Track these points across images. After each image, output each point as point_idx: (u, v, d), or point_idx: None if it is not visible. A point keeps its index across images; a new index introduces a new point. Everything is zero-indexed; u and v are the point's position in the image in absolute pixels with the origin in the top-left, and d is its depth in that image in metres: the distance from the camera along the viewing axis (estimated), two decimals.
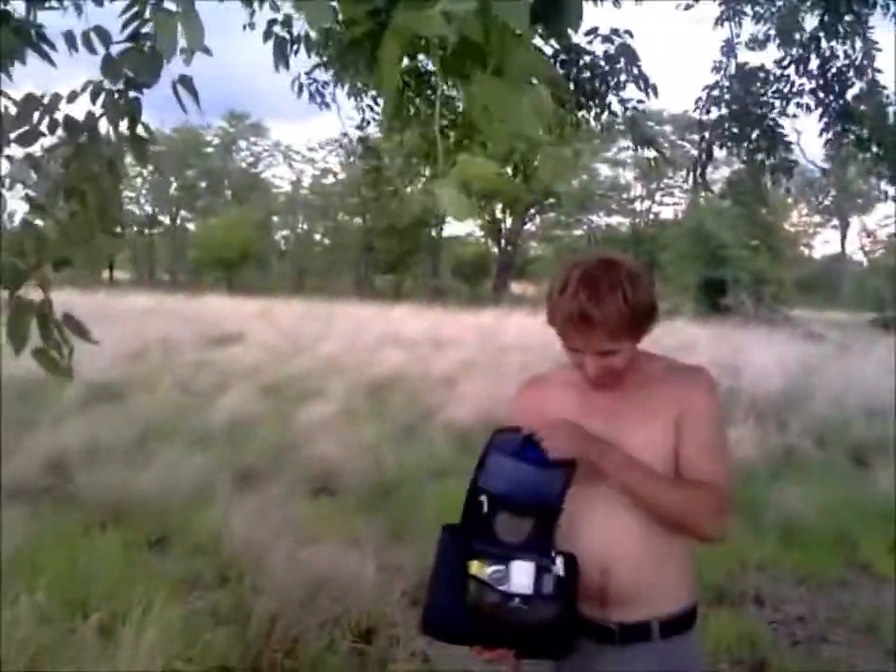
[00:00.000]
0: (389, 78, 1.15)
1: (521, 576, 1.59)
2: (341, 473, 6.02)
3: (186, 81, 1.94)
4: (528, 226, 53.33)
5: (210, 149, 57.44)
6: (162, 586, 3.47)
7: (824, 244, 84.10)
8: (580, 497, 1.71)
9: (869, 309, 32.56)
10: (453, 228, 50.72)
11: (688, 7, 4.98)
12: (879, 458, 7.15)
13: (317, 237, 57.09)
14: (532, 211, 51.07)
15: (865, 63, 4.56)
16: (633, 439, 1.66)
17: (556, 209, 50.60)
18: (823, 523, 5.39)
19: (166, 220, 57.85)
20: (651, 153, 4.92)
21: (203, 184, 57.83)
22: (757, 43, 4.74)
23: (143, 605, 3.18)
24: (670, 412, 1.66)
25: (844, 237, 57.09)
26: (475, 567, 1.59)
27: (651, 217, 50.35)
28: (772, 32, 4.63)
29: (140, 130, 2.12)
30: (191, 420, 7.79)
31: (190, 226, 58.11)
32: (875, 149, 4.62)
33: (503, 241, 51.22)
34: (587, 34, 4.16)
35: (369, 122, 5.27)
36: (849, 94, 4.65)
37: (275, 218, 57.10)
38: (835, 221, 56.03)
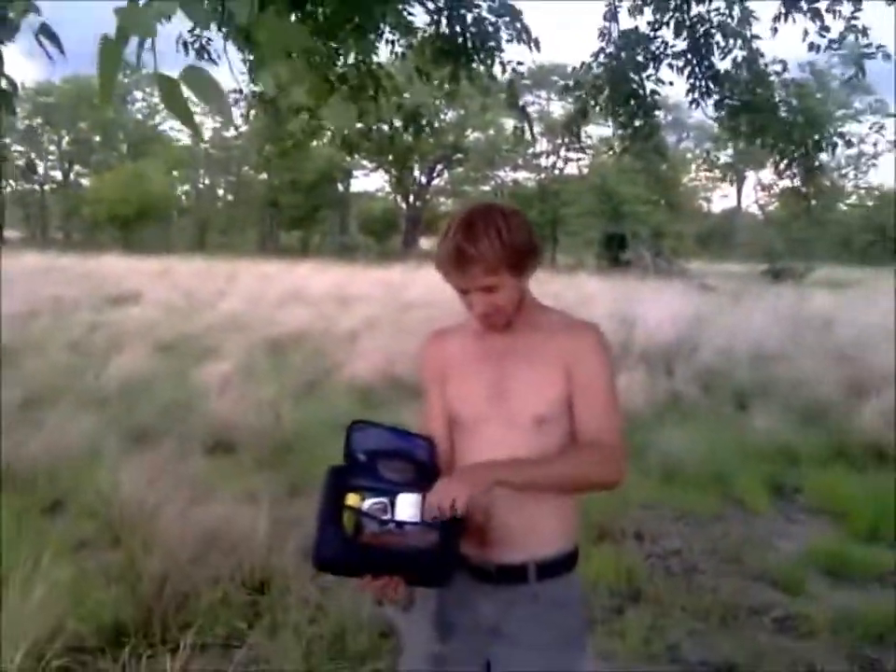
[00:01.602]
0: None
1: (407, 507, 1.65)
2: (238, 431, 6.00)
3: (46, 30, 1.90)
4: (437, 181, 53.20)
5: None
6: (50, 548, 3.43)
7: (722, 198, 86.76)
8: (465, 438, 1.80)
9: (762, 260, 33.98)
10: (361, 183, 50.14)
11: None
12: (759, 402, 7.58)
13: (220, 193, 55.56)
14: (440, 166, 50.93)
15: (741, 28, 4.74)
16: (518, 379, 1.75)
17: (464, 164, 50.60)
18: (703, 463, 5.70)
19: (58, 175, 55.21)
20: (518, 122, 5.04)
21: (97, 137, 55.27)
22: (637, 8, 4.84)
23: (29, 565, 3.15)
24: (559, 360, 1.73)
25: (740, 191, 59.21)
26: (352, 499, 1.66)
27: (557, 172, 50.88)
28: None
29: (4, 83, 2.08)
30: (84, 381, 7.60)
31: (84, 181, 55.59)
32: (746, 112, 4.83)
33: (412, 196, 50.99)
34: None
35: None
36: (727, 62, 4.83)
37: (175, 173, 55.17)
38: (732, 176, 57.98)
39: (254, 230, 51.74)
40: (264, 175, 49.50)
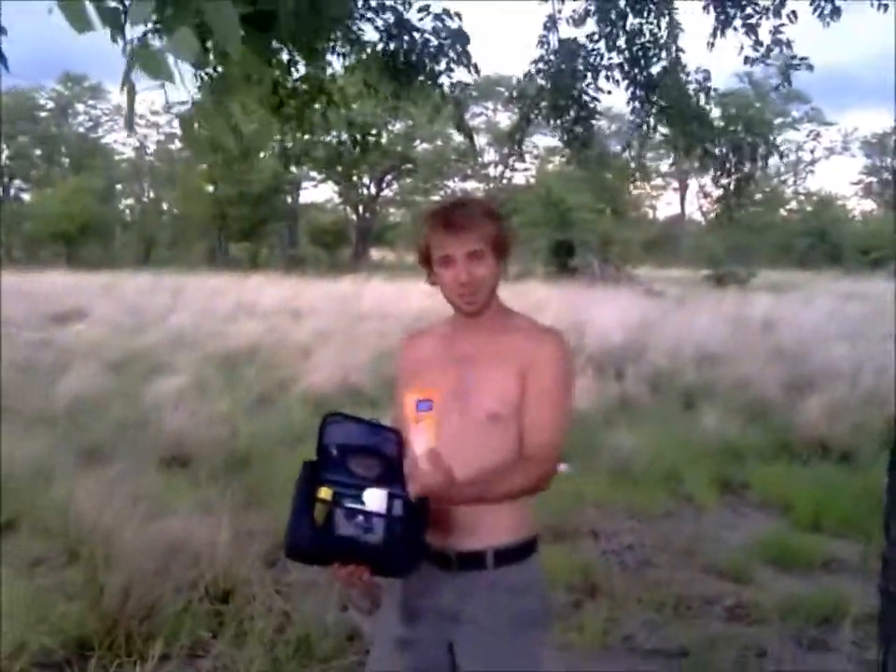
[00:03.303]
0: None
1: (373, 501, 1.74)
2: (193, 445, 5.98)
3: None
4: (386, 192, 53.19)
5: (44, 114, 53.73)
6: (8, 567, 3.42)
7: (666, 205, 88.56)
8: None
9: (705, 266, 34.72)
10: (309, 194, 49.77)
11: None
12: (705, 402, 7.80)
13: (165, 206, 54.73)
14: (389, 177, 50.98)
15: (669, 40, 4.94)
16: (478, 379, 1.85)
17: (413, 175, 50.73)
18: (653, 462, 5.87)
19: None
20: (464, 139, 5.21)
21: (38, 151, 54.13)
22: (575, 20, 4.99)
23: None
24: (518, 363, 1.83)
25: (683, 199, 60.44)
26: (324, 492, 1.74)
27: (505, 182, 51.30)
28: (591, 7, 4.89)
29: None
30: (33, 400, 7.47)
31: (25, 197, 54.29)
32: (674, 123, 5.02)
33: (361, 207, 50.93)
34: (420, 10, 4.29)
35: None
36: (654, 69, 5.01)
37: (119, 187, 54.25)
38: (676, 184, 59.18)
39: (201, 243, 51.07)
40: (211, 188, 48.91)
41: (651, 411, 7.79)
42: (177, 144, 51.26)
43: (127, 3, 1.53)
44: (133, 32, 1.51)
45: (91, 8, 1.32)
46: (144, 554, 3.62)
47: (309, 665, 3.05)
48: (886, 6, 4.27)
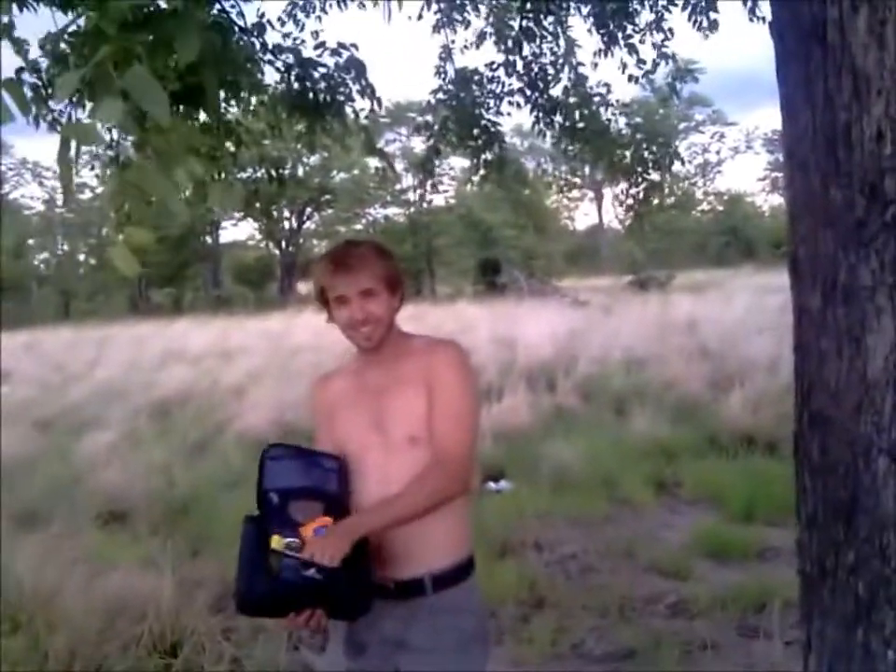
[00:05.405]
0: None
1: None
2: (130, 499, 5.89)
3: None
4: (308, 224, 52.94)
5: None
6: None
7: (584, 216, 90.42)
8: (353, 467, 1.95)
9: (626, 272, 35.53)
10: (230, 233, 49.15)
11: (420, 18, 5.29)
12: (636, 405, 8.00)
13: (81, 257, 53.40)
14: (309, 209, 50.80)
15: (568, 59, 5.14)
16: (392, 407, 1.92)
17: (333, 205, 50.66)
18: (589, 469, 6.02)
19: None
20: (379, 163, 5.31)
21: None
22: (468, 47, 5.16)
23: None
24: (422, 380, 1.90)
25: (600, 208, 61.76)
26: (275, 541, 1.76)
27: (425, 205, 51.59)
28: (488, 31, 5.07)
29: None
30: None
31: None
32: (582, 137, 5.23)
33: (284, 242, 50.57)
34: (316, 47, 4.39)
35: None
36: (557, 89, 5.23)
37: (31, 242, 52.69)
38: (592, 194, 60.43)
39: (122, 292, 49.95)
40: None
41: (585, 419, 7.96)
42: (87, 194, 50.27)
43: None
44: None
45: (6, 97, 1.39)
46: (87, 614, 3.56)
47: None
48: (763, 18, 4.54)
